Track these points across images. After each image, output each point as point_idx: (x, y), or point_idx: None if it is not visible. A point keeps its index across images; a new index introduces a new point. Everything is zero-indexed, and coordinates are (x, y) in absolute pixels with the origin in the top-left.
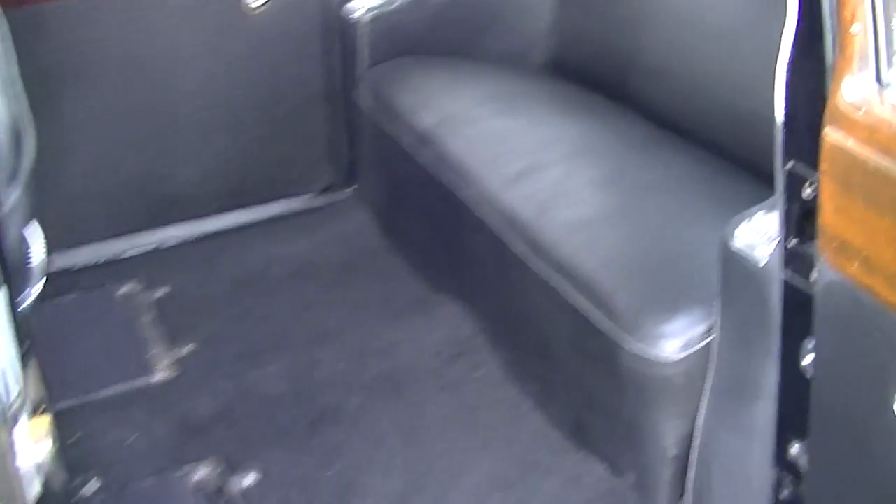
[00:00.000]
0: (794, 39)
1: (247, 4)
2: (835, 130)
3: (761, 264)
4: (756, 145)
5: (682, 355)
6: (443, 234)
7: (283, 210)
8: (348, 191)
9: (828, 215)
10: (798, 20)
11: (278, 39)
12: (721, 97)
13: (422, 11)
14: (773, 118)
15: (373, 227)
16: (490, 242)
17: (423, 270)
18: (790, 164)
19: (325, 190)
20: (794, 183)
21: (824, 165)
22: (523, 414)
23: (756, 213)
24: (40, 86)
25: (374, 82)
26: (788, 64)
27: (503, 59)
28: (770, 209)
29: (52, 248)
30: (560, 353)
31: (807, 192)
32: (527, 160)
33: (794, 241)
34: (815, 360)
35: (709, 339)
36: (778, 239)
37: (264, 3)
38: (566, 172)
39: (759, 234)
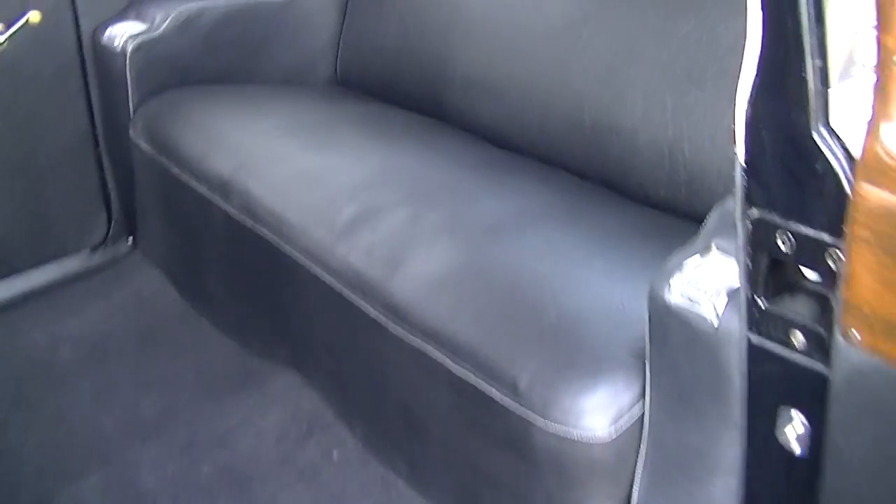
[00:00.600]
0: (759, 65)
1: None
2: (876, 187)
3: (712, 323)
4: (609, 160)
5: (611, 430)
6: (264, 293)
7: (57, 275)
8: (127, 244)
9: (864, 290)
10: (763, 41)
11: (30, 78)
12: (556, 109)
13: (191, 34)
14: (621, 127)
15: (167, 287)
16: (330, 303)
17: (241, 337)
18: (755, 213)
19: (101, 245)
20: (762, 234)
21: (859, 230)
22: (399, 495)
23: (686, 261)
24: None
25: (150, 120)
26: (751, 96)
27: (286, 78)
28: (702, 256)
29: None
30: (439, 426)
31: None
32: (358, 203)
33: (762, 301)
34: (820, 440)
35: (640, 410)
36: (725, 294)
37: (6, 39)
38: (409, 215)
39: (698, 287)
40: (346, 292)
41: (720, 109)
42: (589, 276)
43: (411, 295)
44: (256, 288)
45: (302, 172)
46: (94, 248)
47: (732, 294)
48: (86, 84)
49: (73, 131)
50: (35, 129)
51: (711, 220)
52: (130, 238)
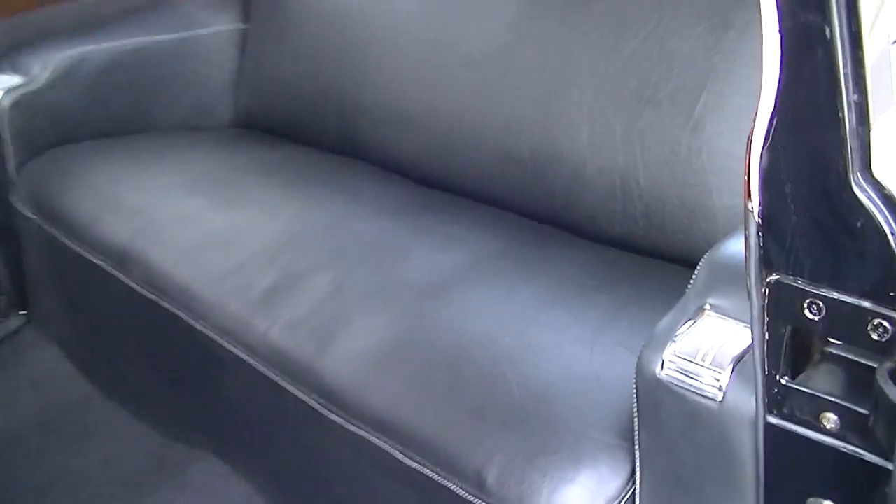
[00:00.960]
0: (779, 103)
1: None
2: None
3: (716, 399)
4: (554, 194)
5: None
6: (177, 373)
7: None
8: (19, 319)
9: None
10: (783, 73)
11: None
12: (489, 140)
13: (75, 84)
14: (565, 157)
15: (67, 367)
16: (254, 385)
17: (155, 422)
18: (774, 278)
19: None
20: (783, 302)
21: None
22: None
23: (679, 329)
24: None
25: (33, 183)
26: (769, 139)
27: (184, 124)
28: (695, 321)
29: None
30: None
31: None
32: (275, 269)
33: (784, 379)
34: None
35: (630, 501)
36: (729, 365)
37: None
38: (334, 279)
39: (696, 358)
40: (271, 374)
41: (677, 132)
42: (551, 338)
43: (346, 375)
44: (169, 367)
45: (209, 235)
46: None
47: (738, 364)
48: None
49: None
50: None
51: (701, 275)
52: (23, 312)
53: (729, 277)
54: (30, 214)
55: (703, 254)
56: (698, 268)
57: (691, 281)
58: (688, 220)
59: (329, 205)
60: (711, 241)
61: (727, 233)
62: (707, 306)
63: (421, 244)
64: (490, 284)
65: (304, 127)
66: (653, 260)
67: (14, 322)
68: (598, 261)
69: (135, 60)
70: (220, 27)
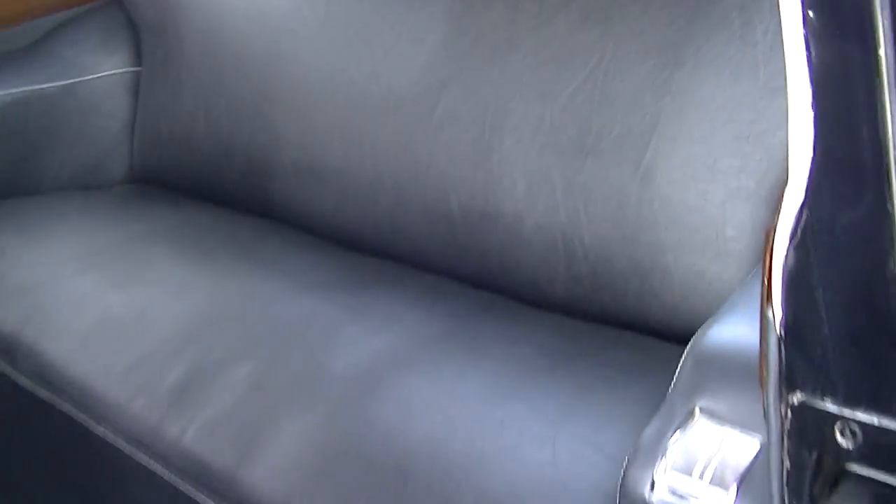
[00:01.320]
0: (811, 195)
1: None
2: None
3: None
4: (488, 256)
5: None
6: (80, 485)
7: None
8: None
9: None
10: (816, 159)
11: None
12: (414, 197)
13: None
14: (500, 213)
15: None
16: (166, 498)
17: None
18: (799, 398)
19: None
20: (809, 426)
21: None
22: None
23: (668, 440)
24: None
25: None
26: (796, 236)
27: (74, 183)
28: (684, 429)
29: None
30: None
31: None
32: (185, 361)
33: None
34: None
35: None
36: (734, 482)
37: None
38: (254, 372)
39: (692, 474)
40: (186, 487)
41: (624, 183)
42: (508, 439)
43: (273, 490)
44: (68, 478)
45: (108, 320)
46: None
47: (742, 482)
48: None
49: None
50: None
51: (685, 371)
52: None
53: (719, 373)
54: None
55: (657, 318)
56: (682, 362)
57: (675, 378)
58: (639, 281)
59: (244, 280)
60: (666, 305)
61: (683, 295)
62: (697, 410)
63: (352, 326)
64: (433, 373)
65: (208, 182)
66: (603, 327)
67: None
68: (547, 332)
69: (12, 114)
70: (110, 71)
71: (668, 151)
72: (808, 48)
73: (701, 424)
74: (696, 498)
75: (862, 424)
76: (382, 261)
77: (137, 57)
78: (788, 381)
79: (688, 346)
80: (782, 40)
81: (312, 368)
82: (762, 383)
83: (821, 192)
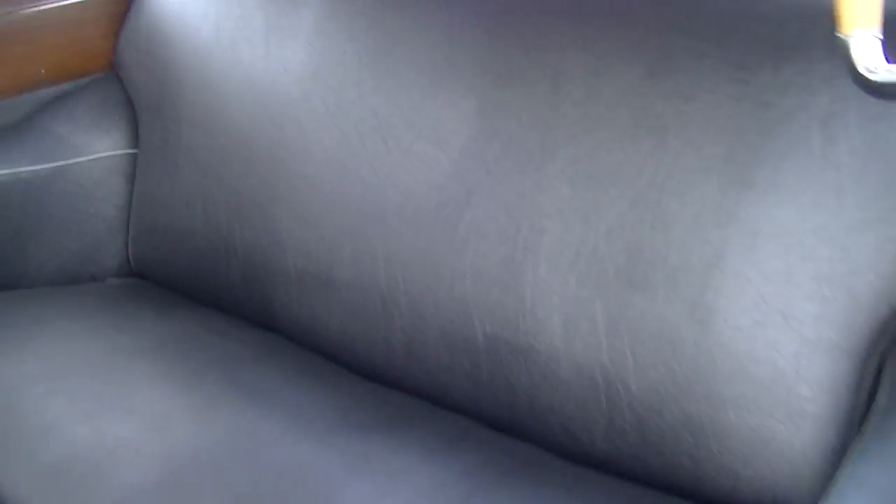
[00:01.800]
0: None
1: None
2: None
3: None
4: (517, 396)
5: None
6: None
7: None
8: None
9: None
10: None
11: None
12: (432, 320)
13: None
14: (532, 348)
15: None
16: None
17: None
18: None
19: None
20: None
21: None
22: None
23: None
24: None
25: None
26: None
27: (61, 274)
28: None
29: None
30: None
31: None
32: None
33: None
34: None
35: None
36: None
37: None
38: None
39: None
40: None
41: (678, 324)
42: None
43: None
44: None
45: (73, 457)
46: None
47: None
48: None
49: None
50: None
51: None
52: None
53: None
54: None
55: (713, 484)
56: None
57: None
58: (693, 440)
59: (233, 414)
60: (725, 470)
61: (745, 461)
62: None
63: (355, 484)
64: None
65: (206, 282)
66: (650, 491)
67: None
68: (582, 496)
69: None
70: (104, 153)
71: (733, 290)
72: None
73: None
74: None
75: None
76: (394, 393)
77: (134, 138)
78: None
79: None
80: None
81: None
82: None
83: None
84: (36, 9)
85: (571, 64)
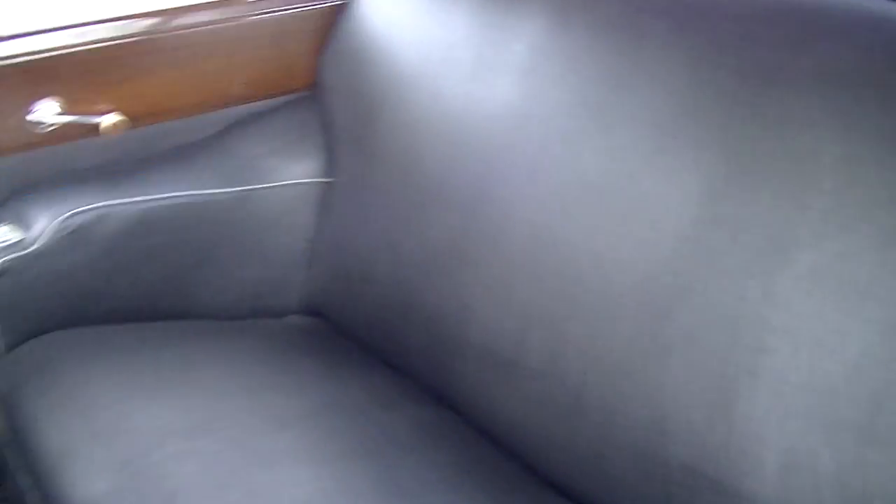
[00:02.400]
0: None
1: None
2: None
3: None
4: None
5: None
6: None
7: None
8: None
9: None
10: None
11: None
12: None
13: (90, 248)
14: None
15: None
16: None
17: None
18: None
19: None
20: None
21: None
22: None
23: None
24: None
25: (10, 384)
26: None
27: (233, 309)
28: None
29: None
30: None
31: None
32: None
33: None
34: None
35: None
36: None
37: None
38: None
39: None
40: None
41: None
42: None
43: None
44: None
45: None
46: None
47: None
48: None
49: None
50: None
51: None
52: None
53: None
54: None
55: None
56: None
57: None
58: None
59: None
60: None
61: None
62: None
63: None
64: None
65: (384, 337)
66: None
67: None
68: None
69: (174, 221)
70: (294, 180)
71: None
72: None
73: None
74: None
75: None
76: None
77: (328, 166)
78: None
79: None
80: None
81: None
82: None
83: None
84: (236, 22)
85: (824, 146)
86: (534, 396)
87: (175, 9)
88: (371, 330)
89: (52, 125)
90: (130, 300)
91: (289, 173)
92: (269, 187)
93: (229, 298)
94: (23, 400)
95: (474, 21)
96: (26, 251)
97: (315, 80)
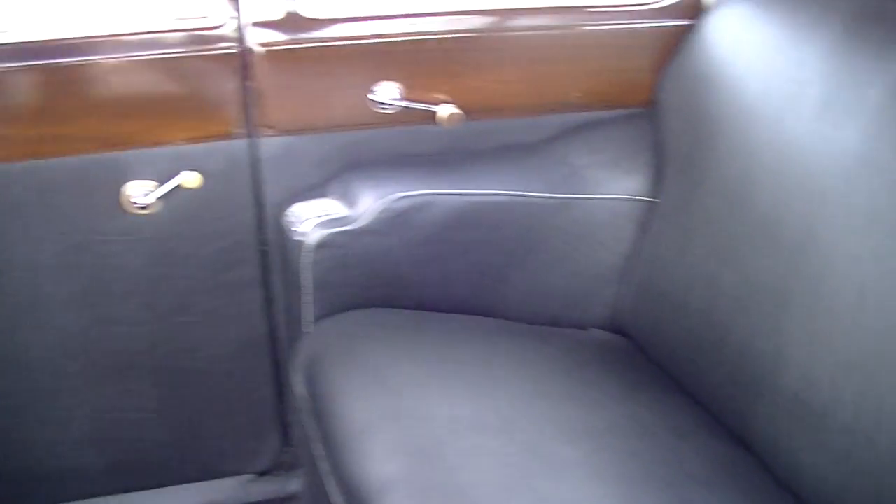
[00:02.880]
0: None
1: (129, 200)
2: None
3: None
4: None
5: None
6: None
7: (205, 499)
8: (297, 477)
9: None
10: None
11: (188, 256)
12: None
13: (411, 233)
14: None
15: None
16: None
17: None
18: None
19: (267, 473)
20: None
21: None
22: None
23: None
24: None
25: (317, 350)
26: None
27: (538, 314)
28: None
29: None
30: None
31: None
32: None
33: None
34: None
35: None
36: None
37: (159, 198)
38: None
39: None
40: None
41: None
42: None
43: None
44: None
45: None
46: (259, 475)
47: None
48: (264, 273)
49: (245, 329)
50: (193, 321)
51: None
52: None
53: None
54: (301, 391)
55: None
56: None
57: None
58: None
59: None
60: None
61: None
62: None
63: None
64: None
65: (689, 367)
66: None
67: (295, 482)
68: None
69: (494, 218)
70: (619, 195)
71: None
72: None
73: None
74: None
75: None
76: None
77: (654, 185)
78: None
79: None
80: None
81: None
82: None
83: None
84: (577, 30)
85: None
86: (839, 454)
87: (515, 9)
88: (675, 356)
89: (390, 108)
90: (439, 289)
91: (614, 187)
92: (593, 198)
93: (535, 303)
94: (326, 371)
95: (827, 61)
96: (349, 227)
97: (652, 97)
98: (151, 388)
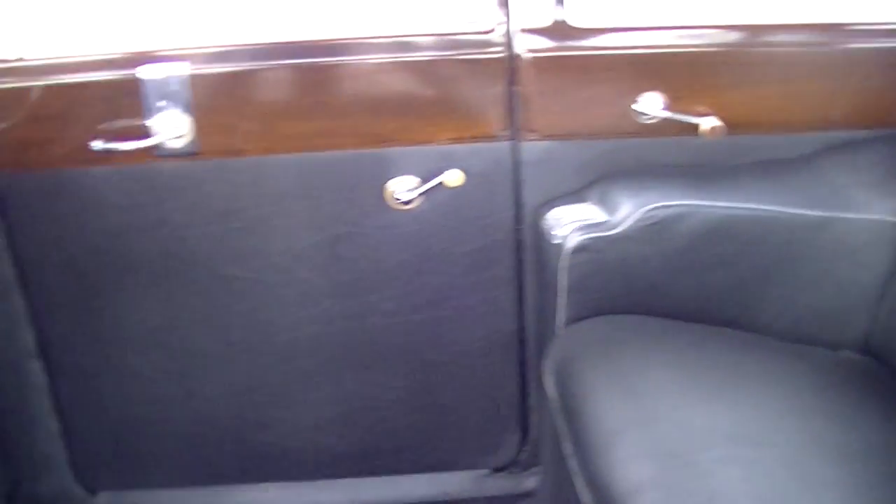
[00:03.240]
0: None
1: (392, 195)
2: None
3: None
4: None
5: None
6: None
7: (439, 490)
8: (533, 475)
9: None
10: None
11: (445, 252)
12: None
13: (668, 242)
14: None
15: None
16: None
17: None
18: None
19: (505, 468)
20: None
21: None
22: None
23: None
24: None
25: (567, 352)
26: None
27: (793, 332)
28: None
29: None
30: None
31: None
32: None
33: None
34: None
35: None
36: None
37: (421, 195)
38: None
39: None
40: None
41: None
42: None
43: None
44: None
45: None
46: (496, 470)
47: None
48: (518, 274)
49: (494, 327)
50: (440, 314)
51: None
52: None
53: None
54: (550, 391)
55: None
56: None
57: None
58: None
59: None
60: None
61: None
62: None
63: None
64: None
65: None
66: None
67: (533, 480)
68: None
69: (752, 232)
70: (880, 216)
71: None
72: None
73: None
74: None
75: None
76: None
77: None
78: None
79: None
80: None
81: None
82: None
83: None
84: (841, 46)
85: None
86: None
87: (779, 25)
88: None
89: (652, 118)
90: (691, 300)
91: (877, 208)
92: (854, 218)
93: (788, 319)
94: (578, 372)
95: None
96: (607, 233)
97: None
98: (397, 377)
